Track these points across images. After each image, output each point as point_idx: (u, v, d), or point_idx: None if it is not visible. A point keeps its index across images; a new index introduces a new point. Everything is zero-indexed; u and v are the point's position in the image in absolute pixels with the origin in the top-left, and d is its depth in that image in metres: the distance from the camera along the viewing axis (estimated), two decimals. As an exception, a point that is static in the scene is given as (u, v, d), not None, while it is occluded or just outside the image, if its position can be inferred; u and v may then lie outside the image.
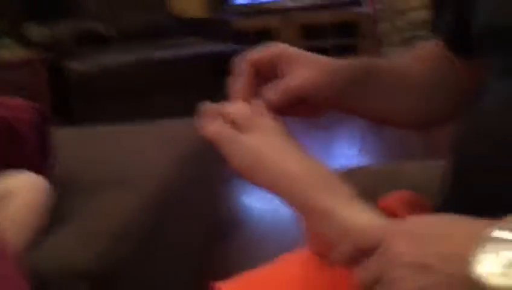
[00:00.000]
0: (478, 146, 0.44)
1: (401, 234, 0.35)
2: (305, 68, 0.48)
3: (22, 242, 0.82)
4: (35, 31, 3.19)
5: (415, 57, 0.57)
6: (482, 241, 0.31)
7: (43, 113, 1.00)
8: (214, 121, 0.46)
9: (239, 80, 0.49)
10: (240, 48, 3.20)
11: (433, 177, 0.52)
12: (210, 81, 2.91)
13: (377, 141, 2.57)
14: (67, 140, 1.10)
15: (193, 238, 1.39)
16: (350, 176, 0.81)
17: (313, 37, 4.20)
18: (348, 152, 2.41)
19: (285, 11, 4.32)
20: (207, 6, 4.44)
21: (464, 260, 0.31)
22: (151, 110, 2.85)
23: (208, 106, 0.47)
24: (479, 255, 0.31)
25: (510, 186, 0.34)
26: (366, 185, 0.68)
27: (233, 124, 0.45)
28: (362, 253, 0.37)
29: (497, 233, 0.31)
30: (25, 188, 0.87)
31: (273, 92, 0.48)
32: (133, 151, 1.29)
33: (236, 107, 0.47)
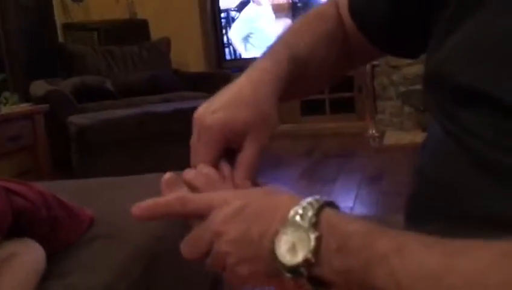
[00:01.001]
0: (416, 183, 0.48)
1: (230, 212, 0.40)
2: (250, 134, 0.48)
3: None
4: (39, 87, 3.27)
5: (322, 34, 0.58)
6: (283, 222, 0.37)
7: (54, 197, 1.04)
8: (176, 191, 0.45)
9: (202, 149, 0.48)
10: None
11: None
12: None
13: (373, 193, 2.58)
14: (60, 193, 1.11)
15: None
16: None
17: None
18: (344, 205, 2.41)
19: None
20: (207, 62, 4.56)
21: (273, 237, 0.37)
22: (149, 162, 2.87)
23: (168, 176, 0.47)
24: (279, 235, 0.37)
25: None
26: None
27: (195, 190, 0.45)
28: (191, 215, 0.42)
29: (292, 217, 0.37)
30: (23, 252, 0.90)
31: (250, 154, 0.48)
32: (124, 204, 1.29)
33: (196, 173, 0.46)
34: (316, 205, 0.37)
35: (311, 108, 4.38)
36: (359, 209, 2.36)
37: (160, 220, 0.47)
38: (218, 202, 0.41)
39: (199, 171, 0.47)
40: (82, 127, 2.77)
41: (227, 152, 0.49)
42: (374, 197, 2.51)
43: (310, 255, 0.35)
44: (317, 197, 0.38)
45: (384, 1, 0.55)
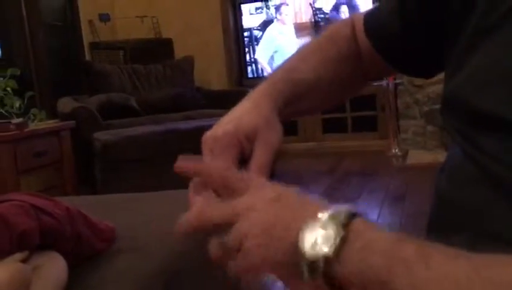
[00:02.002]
0: (435, 206, 0.48)
1: (266, 195, 0.40)
2: (258, 137, 0.51)
3: None
4: (66, 104, 3.35)
5: (329, 56, 0.62)
6: (312, 219, 0.37)
7: (79, 213, 1.07)
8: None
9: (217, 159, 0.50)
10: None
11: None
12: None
13: (396, 213, 2.54)
14: (84, 207, 1.13)
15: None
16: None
17: (332, 109, 4.30)
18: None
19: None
20: (229, 80, 4.61)
21: (299, 230, 0.37)
22: (172, 178, 2.90)
23: (196, 179, 0.48)
24: (306, 230, 0.37)
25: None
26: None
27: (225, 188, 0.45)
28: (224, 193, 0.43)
29: (322, 216, 0.37)
30: (47, 264, 0.92)
31: (263, 154, 0.50)
32: (147, 219, 1.31)
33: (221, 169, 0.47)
34: (347, 213, 0.37)
35: (333, 126, 4.37)
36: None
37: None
38: (257, 183, 0.42)
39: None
40: (106, 143, 2.81)
41: (242, 163, 0.51)
42: (397, 218, 2.48)
43: (332, 252, 0.35)
44: (349, 206, 0.38)
45: (397, 23, 0.56)
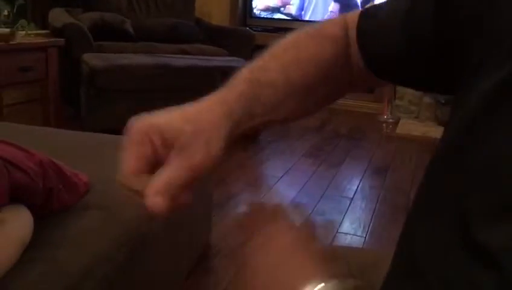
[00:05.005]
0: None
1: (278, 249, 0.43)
2: (174, 152, 0.41)
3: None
4: (58, 17, 3.19)
5: (312, 55, 0.51)
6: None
7: (53, 165, 1.01)
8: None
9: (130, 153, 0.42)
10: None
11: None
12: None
13: (376, 186, 2.54)
14: (61, 145, 1.08)
15: (174, 270, 1.36)
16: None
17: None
18: (344, 195, 2.38)
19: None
20: (232, 15, 4.43)
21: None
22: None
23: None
24: None
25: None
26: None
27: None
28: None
29: None
30: (12, 219, 0.88)
31: (174, 171, 0.41)
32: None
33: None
34: None
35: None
36: (358, 201, 2.33)
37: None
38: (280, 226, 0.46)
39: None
40: (94, 69, 2.71)
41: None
42: (375, 191, 2.48)
43: None
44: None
45: (401, 40, 0.47)
